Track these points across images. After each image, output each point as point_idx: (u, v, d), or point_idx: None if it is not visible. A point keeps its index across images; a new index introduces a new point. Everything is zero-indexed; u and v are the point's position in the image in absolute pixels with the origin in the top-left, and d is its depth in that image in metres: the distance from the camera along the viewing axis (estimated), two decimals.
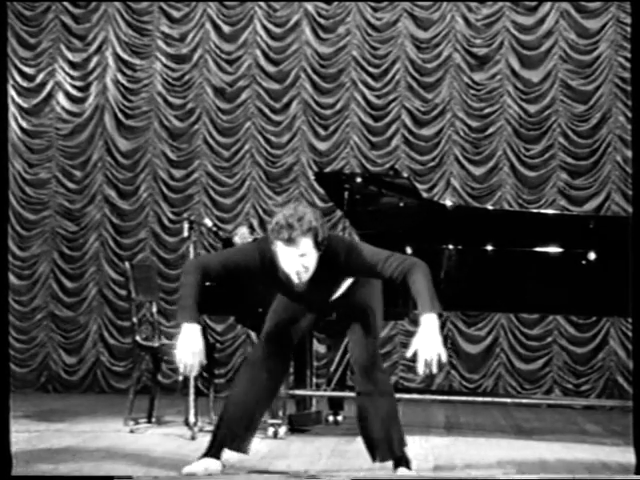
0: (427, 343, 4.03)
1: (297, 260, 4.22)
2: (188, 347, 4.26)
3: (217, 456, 4.53)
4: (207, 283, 4.35)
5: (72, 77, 9.64)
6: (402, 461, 4.53)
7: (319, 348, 7.62)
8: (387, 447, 4.50)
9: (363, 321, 4.54)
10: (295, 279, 4.29)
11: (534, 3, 9.21)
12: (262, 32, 9.47)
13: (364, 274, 4.38)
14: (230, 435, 4.52)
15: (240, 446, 4.54)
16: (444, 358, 4.04)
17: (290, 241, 4.17)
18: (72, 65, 9.64)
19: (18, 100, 9.63)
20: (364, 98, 9.34)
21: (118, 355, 9.42)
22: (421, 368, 4.03)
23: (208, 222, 7.13)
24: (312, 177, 8.98)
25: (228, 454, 4.57)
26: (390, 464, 4.55)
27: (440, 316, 4.14)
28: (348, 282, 4.54)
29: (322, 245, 4.24)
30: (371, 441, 4.54)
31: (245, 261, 4.37)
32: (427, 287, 4.15)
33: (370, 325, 4.55)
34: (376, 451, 4.54)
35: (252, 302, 5.86)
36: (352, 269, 4.35)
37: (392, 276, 4.25)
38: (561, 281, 6.20)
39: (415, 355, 4.03)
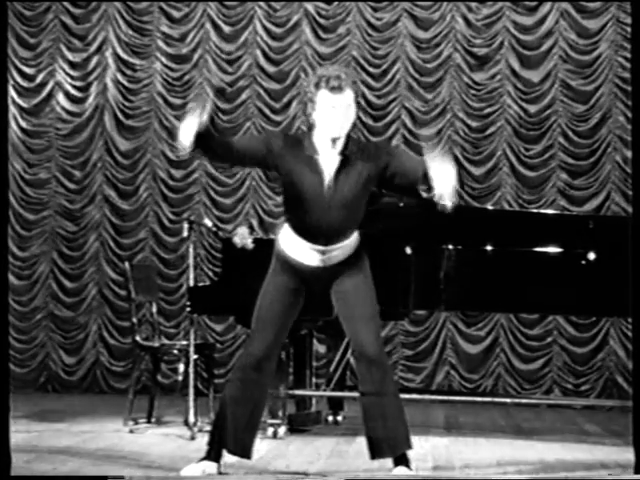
0: (447, 176, 4.29)
1: (343, 110, 4.31)
2: (185, 125, 4.27)
3: (217, 459, 4.54)
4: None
5: (72, 77, 9.64)
6: (402, 460, 4.52)
7: (319, 348, 7.62)
8: (387, 445, 4.48)
9: (365, 310, 4.47)
10: (336, 131, 4.32)
11: (534, 3, 9.21)
12: (262, 32, 9.47)
13: (391, 163, 4.40)
14: (231, 439, 4.50)
15: (243, 450, 4.54)
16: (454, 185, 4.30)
17: (339, 89, 4.30)
18: (72, 65, 9.64)
19: (18, 100, 9.63)
20: (364, 98, 9.34)
21: (118, 355, 9.42)
22: (447, 200, 4.34)
23: (208, 222, 7.14)
24: None
25: (228, 455, 4.57)
26: (389, 464, 4.54)
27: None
28: (355, 240, 4.48)
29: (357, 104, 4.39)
30: (373, 439, 4.52)
31: (267, 135, 4.53)
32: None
33: (373, 314, 4.49)
34: (375, 448, 4.51)
35: (252, 302, 5.85)
36: (382, 155, 4.41)
37: (417, 168, 4.35)
38: (561, 281, 6.20)
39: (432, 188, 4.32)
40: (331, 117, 4.32)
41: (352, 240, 4.49)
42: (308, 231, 4.43)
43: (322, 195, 4.38)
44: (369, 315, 4.49)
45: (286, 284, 4.51)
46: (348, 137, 4.41)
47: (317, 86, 4.33)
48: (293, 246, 4.48)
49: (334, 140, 4.37)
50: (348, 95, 4.33)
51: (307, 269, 4.48)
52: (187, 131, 4.26)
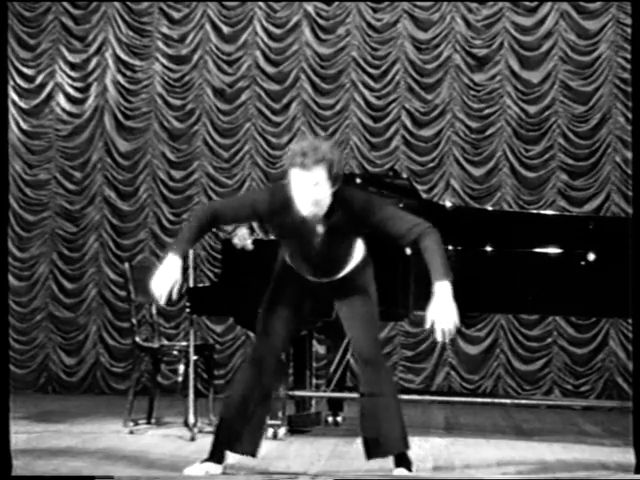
0: (443, 312, 4.09)
1: (310, 190, 4.20)
2: (163, 277, 4.21)
3: (219, 460, 4.53)
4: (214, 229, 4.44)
5: (72, 78, 9.64)
6: (402, 461, 4.52)
7: (319, 349, 7.62)
8: (382, 445, 4.49)
9: (364, 312, 4.49)
10: (307, 210, 4.23)
11: (534, 4, 9.21)
12: (262, 33, 9.47)
13: (378, 225, 4.30)
14: (234, 438, 4.50)
15: (245, 448, 4.53)
16: (455, 325, 4.10)
17: (303, 166, 4.17)
18: (72, 66, 9.65)
19: (18, 101, 9.63)
20: (364, 99, 9.34)
21: (118, 356, 9.42)
22: (439, 336, 4.09)
23: None
24: None
25: (231, 456, 4.56)
26: (390, 465, 4.54)
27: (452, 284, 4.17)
28: (356, 260, 4.50)
29: (336, 180, 4.23)
30: (368, 440, 4.53)
31: (254, 201, 4.34)
32: (440, 255, 4.19)
33: (372, 316, 4.51)
34: (370, 449, 4.53)
35: (252, 303, 5.86)
36: (367, 217, 4.29)
37: (404, 234, 4.25)
38: (561, 282, 6.19)
39: (431, 327, 4.09)
40: (298, 195, 4.23)
41: (354, 261, 4.52)
42: (303, 271, 4.51)
43: (312, 252, 4.40)
44: (368, 316, 4.51)
45: (291, 287, 4.54)
46: (334, 201, 4.28)
47: (291, 162, 4.23)
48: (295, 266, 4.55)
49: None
50: (316, 174, 4.18)
51: (309, 281, 4.54)
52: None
